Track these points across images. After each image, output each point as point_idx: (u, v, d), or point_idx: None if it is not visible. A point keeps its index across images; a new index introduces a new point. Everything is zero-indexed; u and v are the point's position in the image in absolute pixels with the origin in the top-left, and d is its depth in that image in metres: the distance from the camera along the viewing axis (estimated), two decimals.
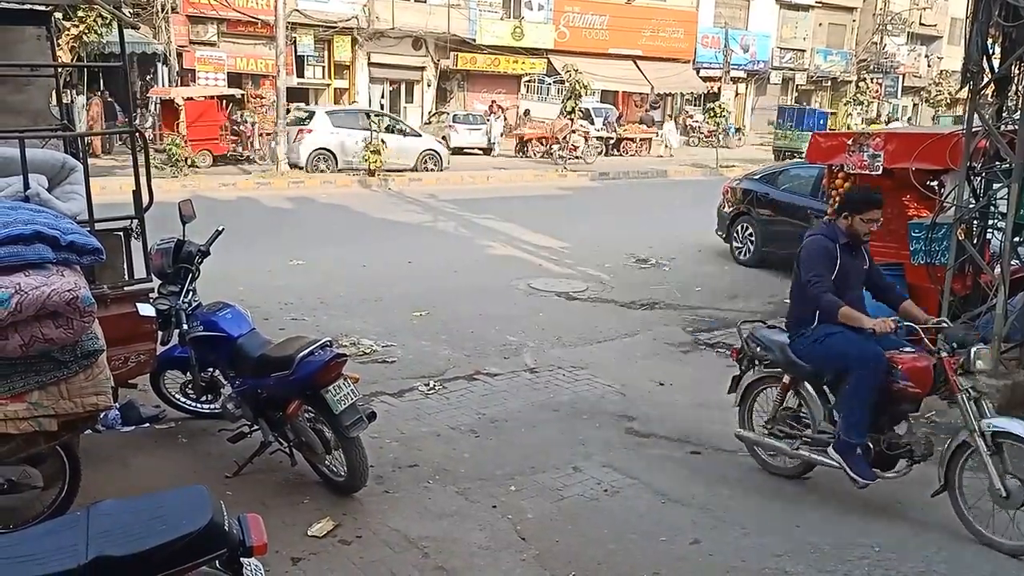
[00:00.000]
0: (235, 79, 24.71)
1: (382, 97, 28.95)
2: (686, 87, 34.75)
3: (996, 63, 6.09)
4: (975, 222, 6.31)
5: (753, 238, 11.30)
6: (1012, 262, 6.00)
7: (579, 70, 24.48)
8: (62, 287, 3.27)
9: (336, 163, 19.84)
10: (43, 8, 5.38)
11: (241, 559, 2.52)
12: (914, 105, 42.64)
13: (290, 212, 14.81)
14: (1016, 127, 5.86)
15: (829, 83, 40.44)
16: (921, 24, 41.18)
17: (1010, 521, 4.12)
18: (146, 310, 4.66)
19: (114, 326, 4.16)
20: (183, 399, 5.43)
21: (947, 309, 6.15)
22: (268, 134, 21.30)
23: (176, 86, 22.29)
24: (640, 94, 33.46)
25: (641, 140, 28.70)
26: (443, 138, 23.67)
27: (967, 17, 6.04)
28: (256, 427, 4.76)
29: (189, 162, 18.67)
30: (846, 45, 40.41)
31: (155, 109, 21.95)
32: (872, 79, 37.51)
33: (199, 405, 5.40)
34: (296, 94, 24.24)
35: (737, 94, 36.97)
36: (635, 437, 5.54)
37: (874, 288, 4.84)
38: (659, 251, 11.84)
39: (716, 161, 24.60)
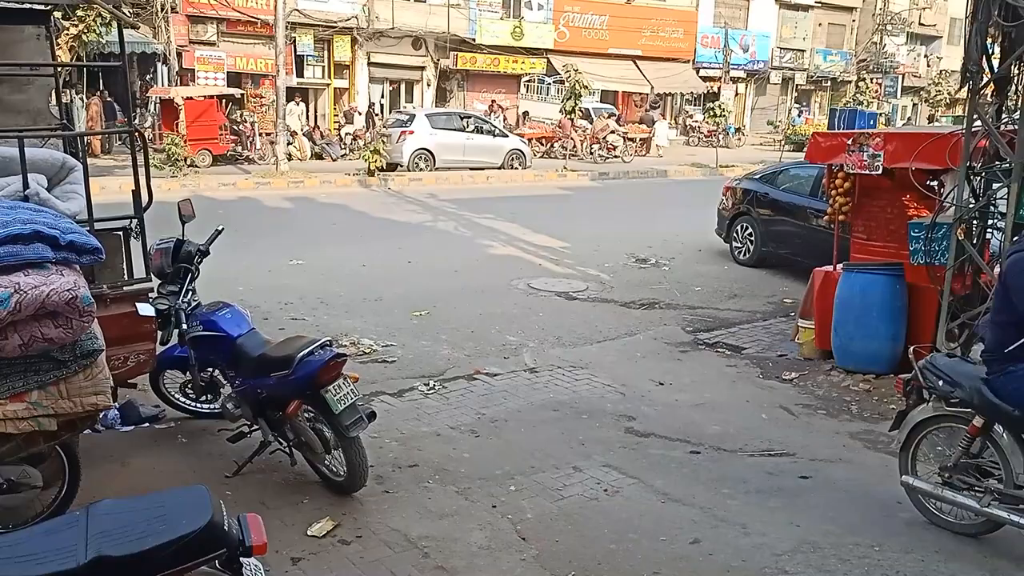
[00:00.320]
0: (235, 79, 24.70)
1: (382, 97, 28.94)
2: (686, 87, 34.75)
3: (996, 63, 6.09)
4: (975, 222, 6.30)
5: (753, 238, 11.31)
6: None
7: (579, 70, 24.47)
8: (61, 287, 3.26)
9: (434, 162, 20.96)
10: (43, 7, 5.38)
11: (241, 559, 2.52)
12: (913, 105, 42.65)
13: (290, 212, 14.81)
14: (1016, 127, 5.85)
15: (829, 83, 40.46)
16: (921, 24, 41.22)
17: None
18: (145, 310, 4.66)
19: (113, 326, 4.17)
20: (183, 399, 5.43)
21: (947, 309, 6.15)
22: (268, 133, 21.31)
23: (176, 86, 22.28)
24: (640, 94, 33.46)
25: (641, 140, 28.68)
26: None
27: (966, 17, 6.03)
28: (256, 427, 4.77)
29: (188, 162, 18.70)
30: (846, 45, 40.43)
31: (154, 109, 21.97)
32: (872, 79, 37.50)
33: (199, 405, 5.40)
34: (293, 94, 24.21)
35: (737, 94, 36.95)
36: (635, 437, 5.53)
37: None
38: (659, 251, 11.85)
39: (716, 161, 24.60)
